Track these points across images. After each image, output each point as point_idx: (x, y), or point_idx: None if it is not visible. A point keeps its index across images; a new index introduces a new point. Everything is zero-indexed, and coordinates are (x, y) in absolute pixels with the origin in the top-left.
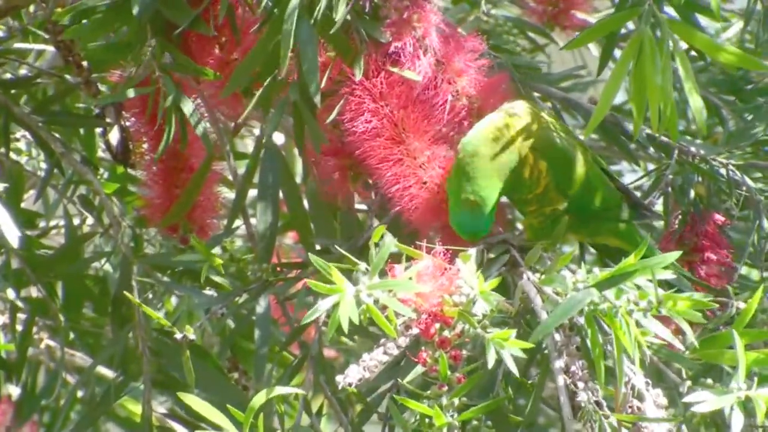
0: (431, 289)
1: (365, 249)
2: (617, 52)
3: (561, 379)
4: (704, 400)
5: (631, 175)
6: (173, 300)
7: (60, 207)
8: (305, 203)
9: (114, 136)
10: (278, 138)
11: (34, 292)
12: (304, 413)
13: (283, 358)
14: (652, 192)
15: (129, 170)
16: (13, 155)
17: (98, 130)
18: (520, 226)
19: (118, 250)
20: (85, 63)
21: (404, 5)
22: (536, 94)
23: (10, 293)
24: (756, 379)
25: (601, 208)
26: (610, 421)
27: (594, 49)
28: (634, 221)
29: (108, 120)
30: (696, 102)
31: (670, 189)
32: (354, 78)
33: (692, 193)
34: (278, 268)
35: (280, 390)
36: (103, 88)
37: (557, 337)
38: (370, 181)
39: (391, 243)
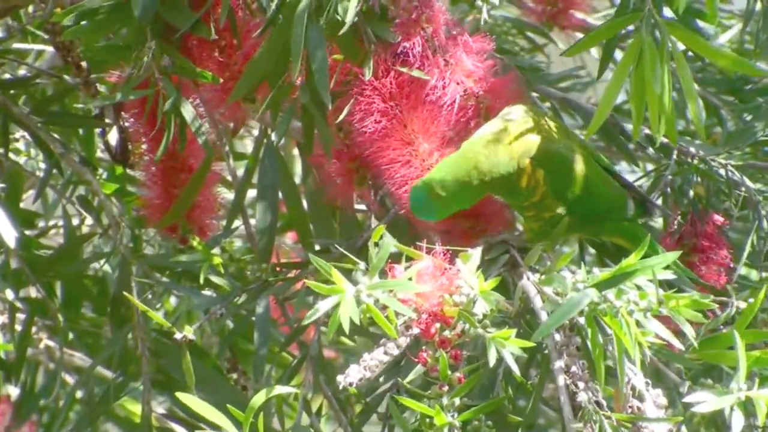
0: (431, 289)
1: (365, 249)
2: (618, 53)
3: (561, 379)
4: (704, 401)
5: (630, 175)
6: (172, 300)
7: (59, 207)
8: (304, 203)
9: (113, 136)
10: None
11: (33, 292)
12: (304, 413)
13: (282, 358)
14: (652, 192)
15: (128, 171)
16: (12, 155)
17: (97, 130)
18: (520, 227)
19: (117, 251)
20: (84, 63)
21: (413, 6)
22: (535, 95)
23: (9, 293)
24: (756, 379)
25: (604, 210)
26: (611, 421)
27: (593, 50)
28: (639, 218)
29: (107, 120)
30: (694, 106)
31: (669, 189)
32: (363, 78)
33: (691, 194)
34: (278, 268)
35: (279, 390)
36: (102, 88)
37: (557, 337)
38: (370, 182)
39: (390, 243)
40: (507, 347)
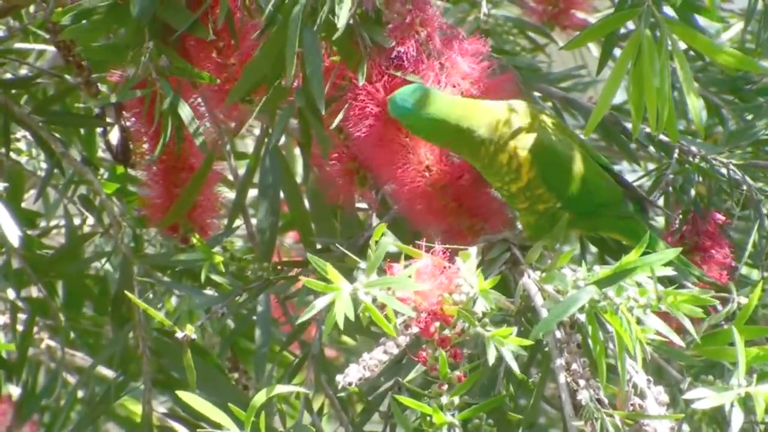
0: (431, 288)
1: (366, 248)
2: (617, 51)
3: (562, 377)
4: (705, 397)
5: (631, 174)
6: (173, 300)
7: (60, 207)
8: (306, 202)
9: (114, 136)
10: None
11: (34, 291)
12: (305, 413)
13: (283, 357)
14: (653, 192)
15: (129, 170)
16: (13, 155)
17: (98, 130)
18: (520, 225)
19: (119, 250)
20: (85, 63)
21: (407, 9)
22: (537, 94)
23: (11, 293)
24: (756, 375)
25: (599, 204)
26: (612, 418)
27: (594, 49)
28: (638, 217)
29: (108, 120)
30: (694, 104)
31: (670, 188)
32: (357, 83)
33: (693, 193)
34: (279, 267)
35: (281, 389)
36: (103, 88)
37: (558, 334)
38: (371, 182)
39: (388, 241)
40: (506, 346)
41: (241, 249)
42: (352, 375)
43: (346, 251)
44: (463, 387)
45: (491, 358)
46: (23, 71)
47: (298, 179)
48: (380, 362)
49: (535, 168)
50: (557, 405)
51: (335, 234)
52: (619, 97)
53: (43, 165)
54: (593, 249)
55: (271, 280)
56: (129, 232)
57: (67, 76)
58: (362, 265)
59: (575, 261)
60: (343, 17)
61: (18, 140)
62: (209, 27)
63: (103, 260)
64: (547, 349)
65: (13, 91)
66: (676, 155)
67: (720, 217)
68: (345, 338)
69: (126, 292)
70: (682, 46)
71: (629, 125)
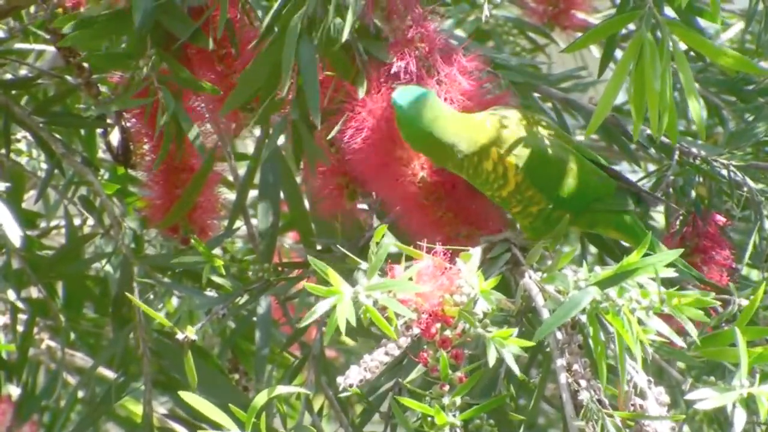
0: (431, 289)
1: (366, 249)
2: (618, 53)
3: (563, 378)
4: (706, 398)
5: (631, 175)
6: (174, 301)
7: (60, 208)
8: (306, 203)
9: (115, 136)
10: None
11: (34, 292)
12: (306, 414)
13: (283, 359)
14: (654, 193)
15: (130, 171)
16: (13, 156)
17: (99, 131)
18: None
19: (119, 251)
20: (85, 64)
21: (407, 25)
22: (537, 95)
23: (11, 294)
24: (758, 376)
25: (591, 199)
26: (613, 419)
27: (595, 50)
28: (633, 209)
29: (109, 121)
30: (695, 106)
31: (671, 190)
32: (355, 96)
33: (693, 194)
34: (279, 268)
35: (281, 389)
36: (103, 89)
37: (559, 335)
38: (361, 197)
39: (389, 243)
40: (507, 347)
41: (241, 250)
42: (353, 376)
43: (347, 252)
44: (464, 388)
45: (492, 360)
46: (23, 72)
47: (298, 180)
48: (381, 363)
49: (522, 171)
50: (558, 405)
51: (336, 235)
52: (620, 98)
53: (44, 166)
54: (593, 249)
55: (271, 281)
56: (129, 233)
57: (68, 77)
58: (363, 266)
59: (575, 262)
60: (346, 30)
61: (18, 141)
62: (210, 36)
63: (104, 261)
64: (548, 349)
65: (14, 92)
66: (676, 156)
67: (720, 218)
68: (345, 339)
69: (126, 293)
70: (683, 47)
71: (630, 126)
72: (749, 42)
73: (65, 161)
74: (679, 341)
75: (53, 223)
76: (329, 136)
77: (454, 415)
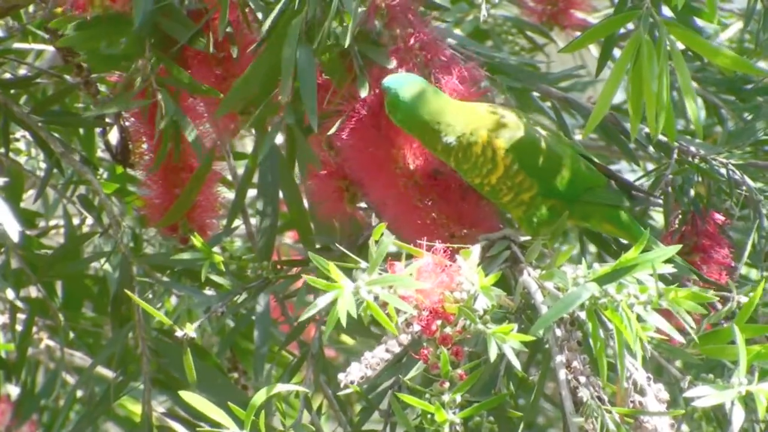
0: (432, 286)
1: (365, 247)
2: (617, 52)
3: (562, 374)
4: (705, 395)
5: (630, 174)
6: (173, 300)
7: (59, 207)
8: (305, 202)
9: (113, 136)
10: (278, 137)
11: (33, 292)
12: (305, 411)
13: (282, 357)
14: (653, 191)
15: (128, 170)
16: (12, 155)
17: (98, 130)
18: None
19: (118, 250)
20: (84, 63)
21: (408, 33)
22: (536, 94)
23: (10, 293)
24: (756, 374)
25: (583, 189)
26: (612, 415)
27: (593, 49)
28: (627, 204)
29: (107, 120)
30: (692, 106)
31: (670, 188)
32: (356, 98)
33: (692, 193)
34: (278, 266)
35: (280, 388)
36: (102, 88)
37: (558, 332)
38: (361, 200)
39: (389, 240)
40: (507, 342)
41: (240, 249)
42: (354, 373)
43: (346, 251)
44: (464, 385)
45: (493, 355)
46: (22, 71)
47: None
48: (382, 360)
49: (511, 154)
50: (557, 403)
51: (335, 233)
52: (619, 97)
53: (43, 165)
54: (593, 249)
55: (270, 279)
56: (128, 232)
57: (67, 76)
58: (363, 264)
59: (575, 261)
60: (349, 35)
61: (17, 140)
62: (209, 39)
63: (103, 260)
64: (547, 346)
65: (13, 91)
66: (675, 155)
67: (719, 217)
68: (344, 338)
69: (126, 291)
70: (681, 46)
71: (628, 125)
72: (748, 41)
73: (64, 160)
74: (679, 337)
75: (52, 223)
76: (327, 135)
77: (454, 413)
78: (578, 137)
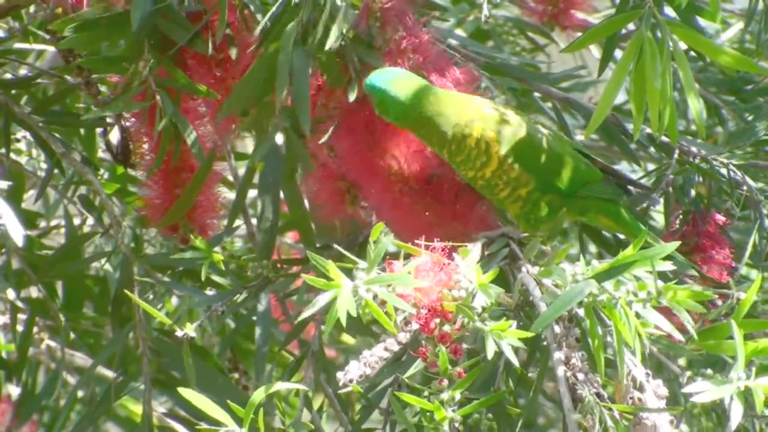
0: (430, 284)
1: (364, 247)
2: (618, 53)
3: (561, 371)
4: (704, 391)
5: (631, 175)
6: (174, 301)
7: (60, 207)
8: (306, 202)
9: (114, 136)
10: (278, 138)
11: (34, 292)
12: (304, 410)
13: (283, 357)
14: (654, 192)
15: (129, 170)
16: (13, 155)
17: (99, 130)
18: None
19: (119, 250)
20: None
21: (401, 36)
22: (537, 94)
23: (11, 293)
24: (754, 369)
25: (579, 183)
26: (611, 412)
27: (594, 50)
28: (623, 198)
29: (108, 120)
30: (695, 105)
31: (670, 189)
32: (347, 102)
33: (693, 193)
34: (278, 265)
35: (280, 386)
36: (103, 88)
37: (557, 329)
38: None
39: (388, 239)
40: (505, 339)
41: (240, 250)
42: (353, 372)
43: (344, 251)
44: (463, 383)
45: (490, 352)
46: (23, 71)
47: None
48: (381, 359)
49: (505, 147)
50: (557, 401)
51: (335, 233)
52: (620, 97)
53: (43, 165)
54: (592, 249)
55: (270, 278)
56: (129, 233)
57: (67, 77)
58: (361, 264)
59: (574, 259)
60: (331, 38)
61: (18, 140)
62: (208, 41)
63: (103, 260)
64: (545, 343)
65: (13, 92)
66: (676, 156)
67: (720, 217)
68: (344, 338)
69: (126, 291)
70: (683, 46)
71: (630, 126)
72: (749, 42)
73: (65, 161)
74: (677, 334)
75: (53, 223)
76: (322, 140)
77: (453, 411)
78: (579, 138)
